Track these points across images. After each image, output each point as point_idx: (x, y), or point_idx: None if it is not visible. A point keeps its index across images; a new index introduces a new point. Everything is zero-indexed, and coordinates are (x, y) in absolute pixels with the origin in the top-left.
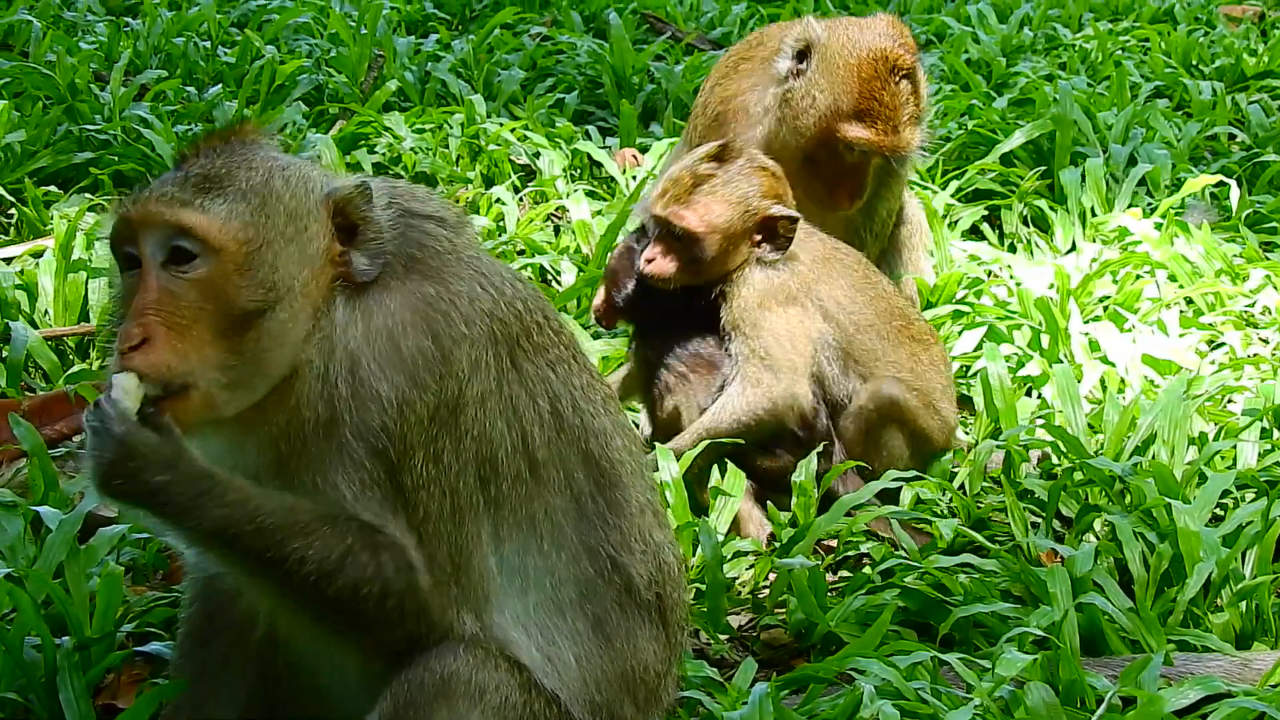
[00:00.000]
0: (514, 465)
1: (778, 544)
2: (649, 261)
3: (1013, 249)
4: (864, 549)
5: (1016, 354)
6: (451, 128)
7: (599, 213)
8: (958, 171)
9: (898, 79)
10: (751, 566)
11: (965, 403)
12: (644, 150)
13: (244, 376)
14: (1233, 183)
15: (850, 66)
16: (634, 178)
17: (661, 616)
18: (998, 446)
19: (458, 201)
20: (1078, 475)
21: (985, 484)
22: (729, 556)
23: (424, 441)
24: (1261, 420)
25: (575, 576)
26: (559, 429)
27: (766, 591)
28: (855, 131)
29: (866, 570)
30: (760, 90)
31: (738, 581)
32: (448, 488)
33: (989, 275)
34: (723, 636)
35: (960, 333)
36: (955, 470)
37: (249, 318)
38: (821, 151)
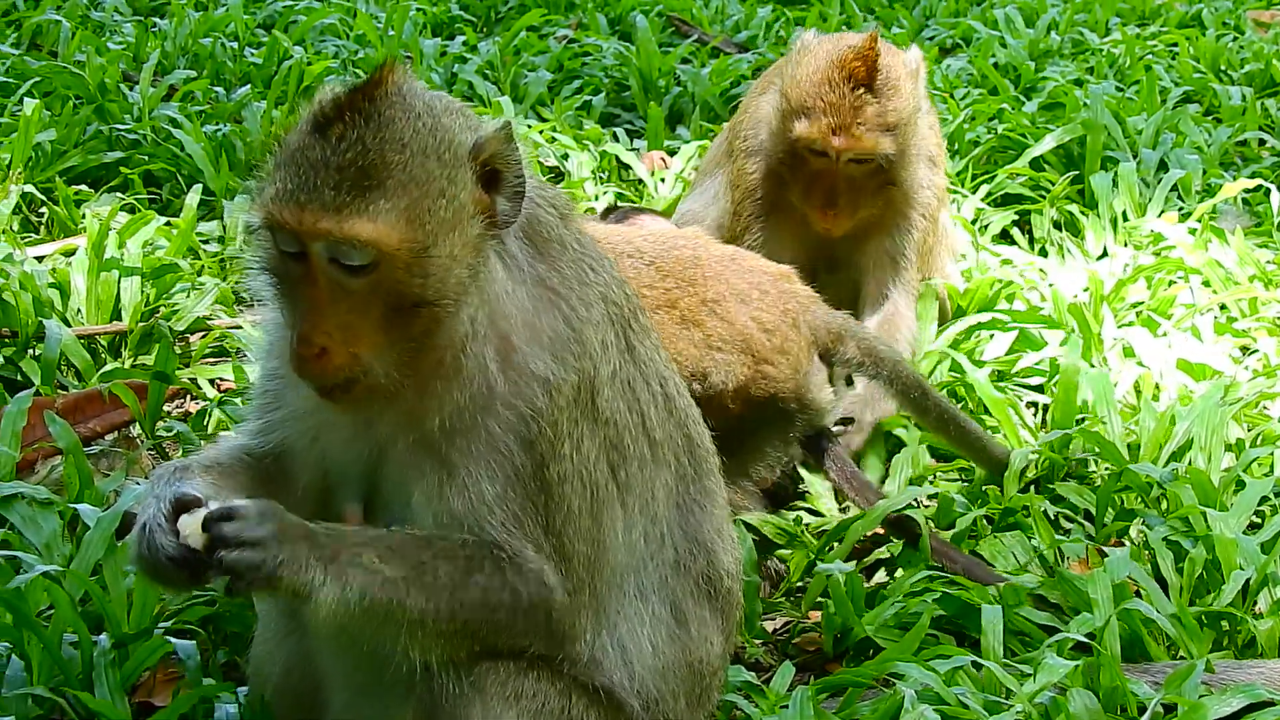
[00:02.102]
0: (638, 447)
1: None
2: None
3: (1044, 254)
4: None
5: (1050, 361)
6: None
7: None
8: (987, 176)
9: (852, 85)
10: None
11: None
12: (672, 153)
13: (412, 359)
14: (1273, 187)
15: (806, 71)
16: (662, 179)
17: (725, 614)
18: (1032, 454)
19: None
20: (1117, 482)
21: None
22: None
23: (570, 428)
24: None
25: (666, 561)
26: (669, 410)
27: (802, 594)
28: (800, 128)
29: (901, 574)
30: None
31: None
32: (588, 479)
33: (1021, 279)
34: (758, 641)
35: (992, 337)
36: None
37: (419, 306)
38: (788, 161)
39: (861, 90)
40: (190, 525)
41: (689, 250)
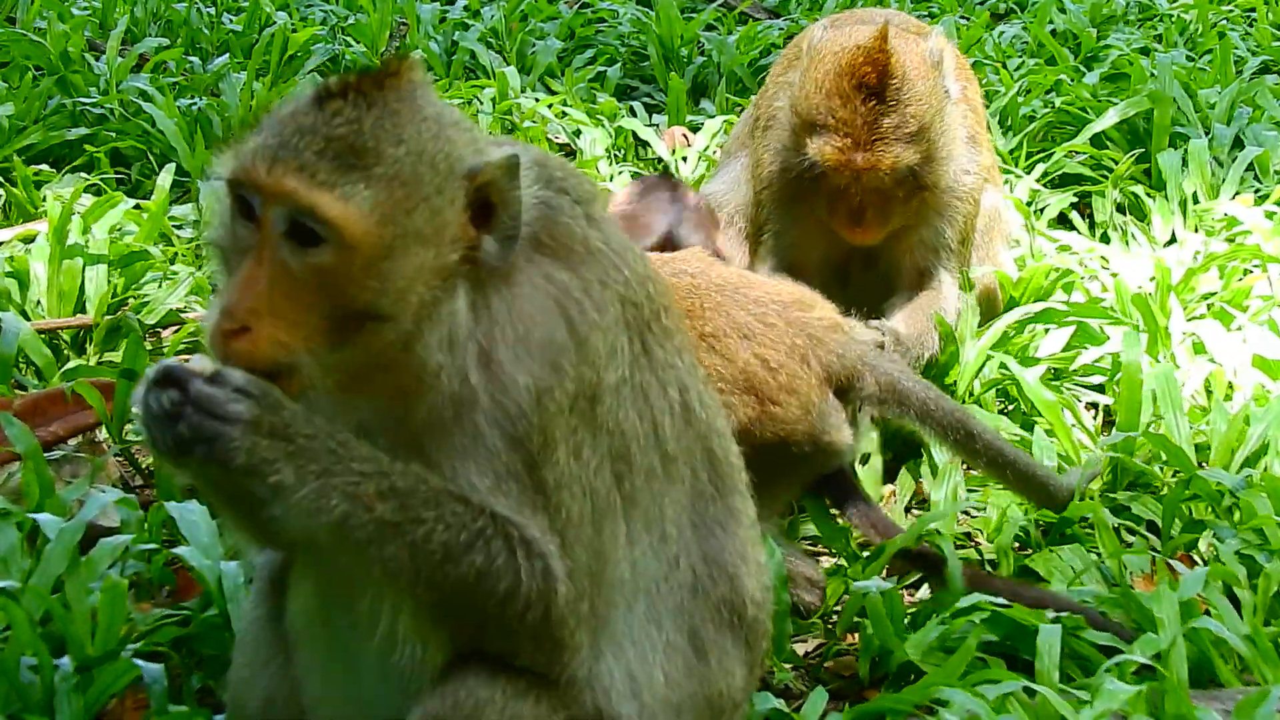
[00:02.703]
0: (646, 459)
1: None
2: None
3: (1106, 239)
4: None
5: (1112, 357)
6: (482, 103)
7: None
8: (1044, 154)
9: (864, 96)
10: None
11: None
12: (695, 129)
13: (351, 365)
14: None
15: (815, 81)
16: (684, 159)
17: (751, 645)
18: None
19: None
20: (1184, 490)
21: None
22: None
23: (564, 434)
24: None
25: (682, 585)
26: (688, 421)
27: (836, 616)
28: (813, 147)
29: (945, 592)
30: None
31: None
32: (588, 486)
33: (1081, 267)
34: (787, 665)
35: (1047, 331)
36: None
37: (364, 315)
38: (807, 173)
39: (875, 101)
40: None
41: (686, 278)
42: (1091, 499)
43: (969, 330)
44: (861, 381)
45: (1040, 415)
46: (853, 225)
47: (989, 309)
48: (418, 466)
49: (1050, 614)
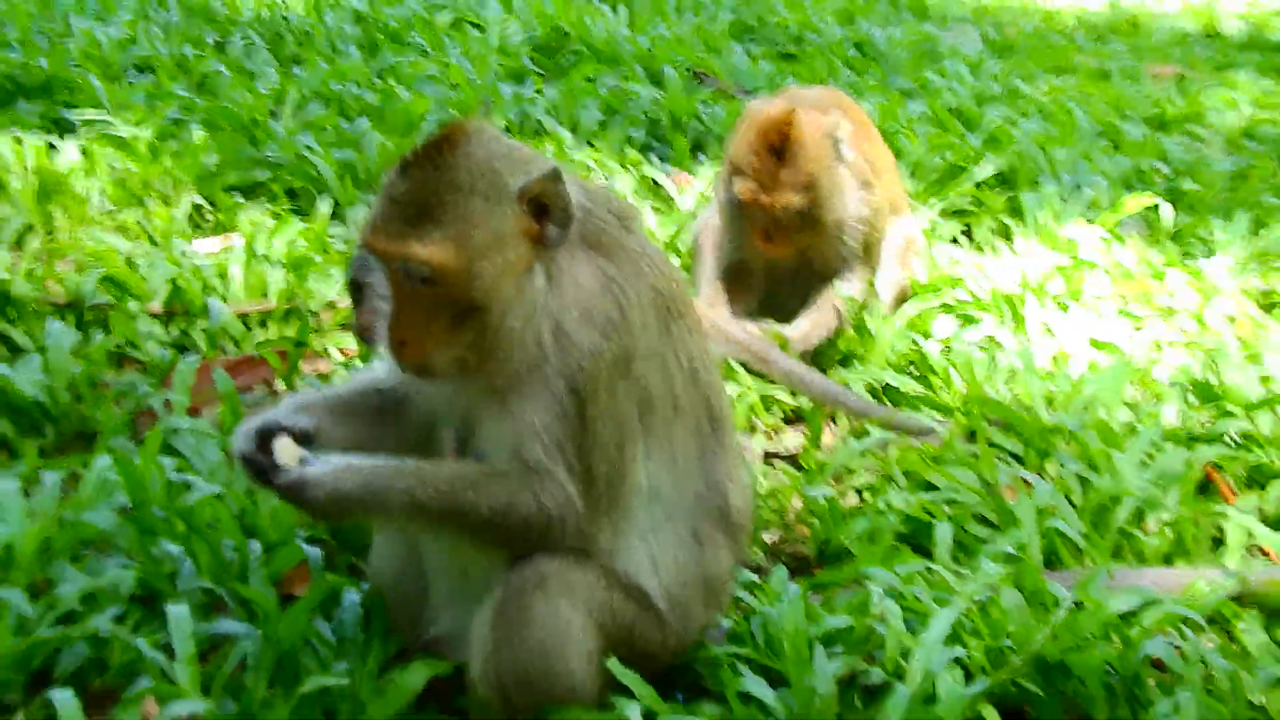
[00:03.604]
0: (664, 405)
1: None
2: None
3: (983, 253)
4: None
5: (987, 337)
6: (545, 155)
7: (661, 221)
8: (940, 194)
9: (770, 152)
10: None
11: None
12: (693, 174)
13: (470, 351)
14: (1164, 204)
15: (742, 137)
16: (684, 194)
17: (736, 538)
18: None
19: None
20: (1038, 428)
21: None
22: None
23: (607, 382)
24: (1180, 388)
25: (688, 496)
26: (694, 381)
27: (793, 514)
28: (736, 185)
29: (871, 499)
30: None
31: (768, 505)
32: (618, 419)
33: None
34: (758, 550)
35: (939, 319)
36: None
37: (473, 310)
38: (736, 202)
39: (776, 157)
40: (281, 450)
41: None
42: (973, 436)
43: (884, 316)
44: None
45: (934, 374)
46: (765, 243)
47: (904, 301)
48: (454, 462)
49: (946, 511)
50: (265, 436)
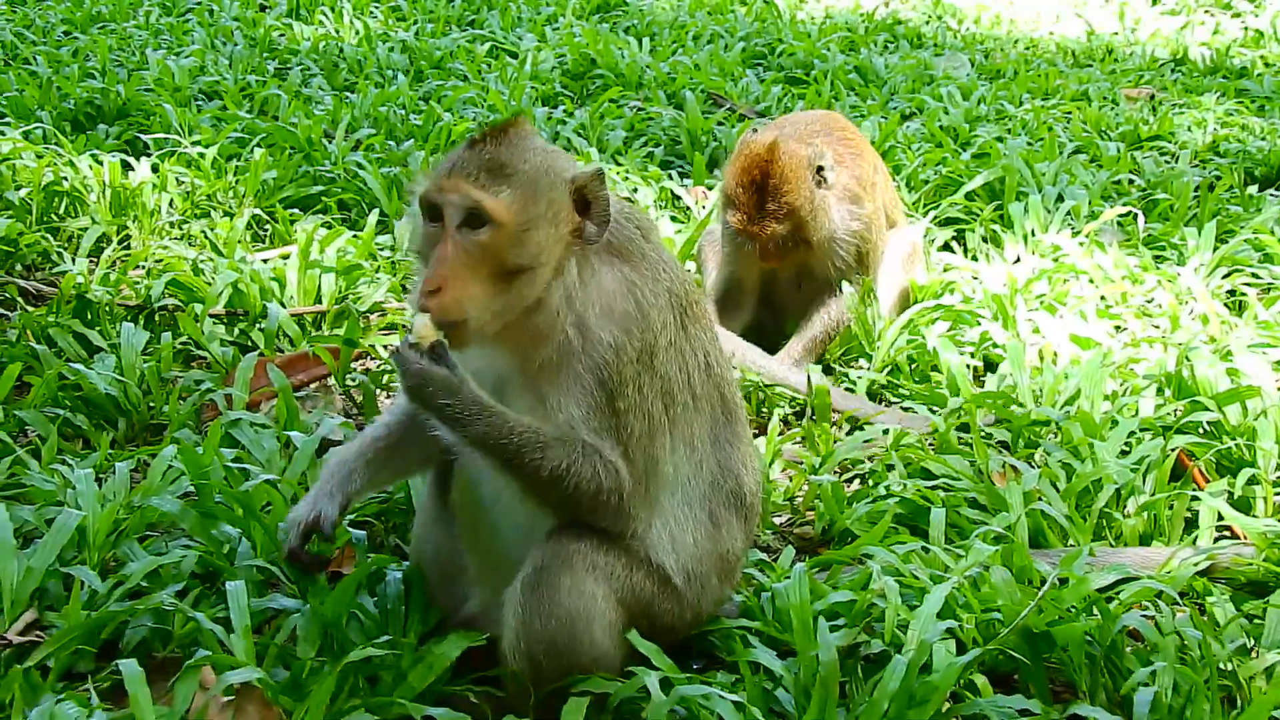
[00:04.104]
0: (682, 396)
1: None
2: None
3: (975, 260)
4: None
5: (979, 334)
6: None
7: (679, 230)
8: (935, 205)
9: (754, 186)
10: (790, 479)
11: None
12: (710, 189)
13: (503, 311)
14: (1139, 213)
15: (732, 170)
16: (703, 207)
17: (749, 519)
18: (964, 405)
19: None
20: (1026, 419)
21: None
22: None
23: (632, 376)
24: (1156, 382)
25: (706, 480)
26: (708, 374)
27: (800, 498)
28: (728, 215)
29: (871, 484)
30: None
31: (779, 490)
32: (645, 411)
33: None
34: (768, 531)
35: (936, 319)
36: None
37: (514, 272)
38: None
39: (759, 192)
40: (423, 326)
41: None
42: (967, 427)
43: (887, 318)
44: None
45: (933, 370)
46: (761, 260)
47: (906, 304)
48: (529, 419)
49: (941, 495)
50: (309, 534)
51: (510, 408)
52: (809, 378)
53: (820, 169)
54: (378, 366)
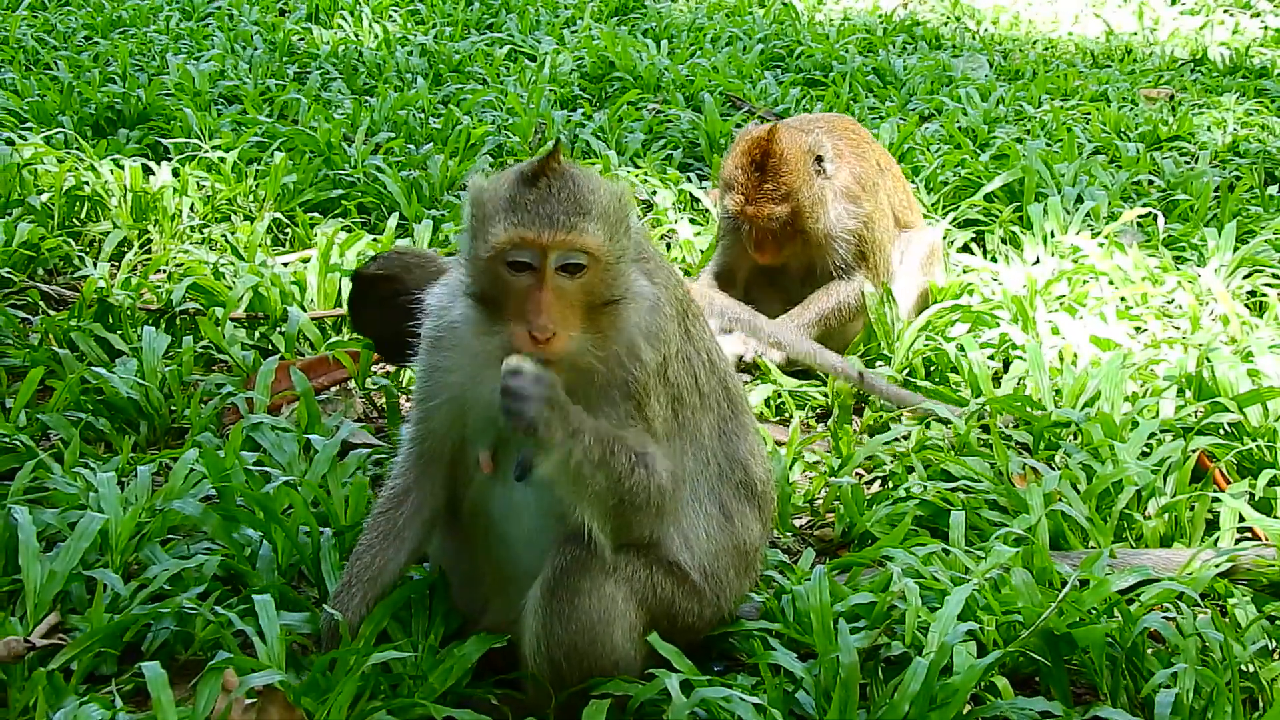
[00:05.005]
0: (691, 398)
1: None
2: None
3: (994, 261)
4: (890, 470)
5: (998, 335)
6: None
7: (698, 233)
8: (954, 206)
9: (753, 168)
10: (810, 480)
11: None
12: None
13: (596, 343)
14: (1158, 214)
15: (731, 156)
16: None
17: (763, 508)
18: (984, 405)
19: None
20: (1046, 421)
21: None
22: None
23: (654, 388)
24: (1177, 384)
25: (713, 473)
26: (712, 371)
27: (820, 500)
28: (726, 200)
29: (891, 486)
30: None
31: (799, 492)
32: (665, 419)
33: (978, 279)
34: (788, 534)
35: (955, 321)
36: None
37: (608, 301)
38: (730, 214)
39: (758, 172)
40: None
41: None
42: (987, 428)
43: (905, 320)
44: None
45: (953, 372)
46: (756, 251)
47: (925, 306)
48: (607, 424)
49: (961, 497)
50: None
51: (512, 443)
52: (860, 373)
53: (820, 159)
54: (396, 369)
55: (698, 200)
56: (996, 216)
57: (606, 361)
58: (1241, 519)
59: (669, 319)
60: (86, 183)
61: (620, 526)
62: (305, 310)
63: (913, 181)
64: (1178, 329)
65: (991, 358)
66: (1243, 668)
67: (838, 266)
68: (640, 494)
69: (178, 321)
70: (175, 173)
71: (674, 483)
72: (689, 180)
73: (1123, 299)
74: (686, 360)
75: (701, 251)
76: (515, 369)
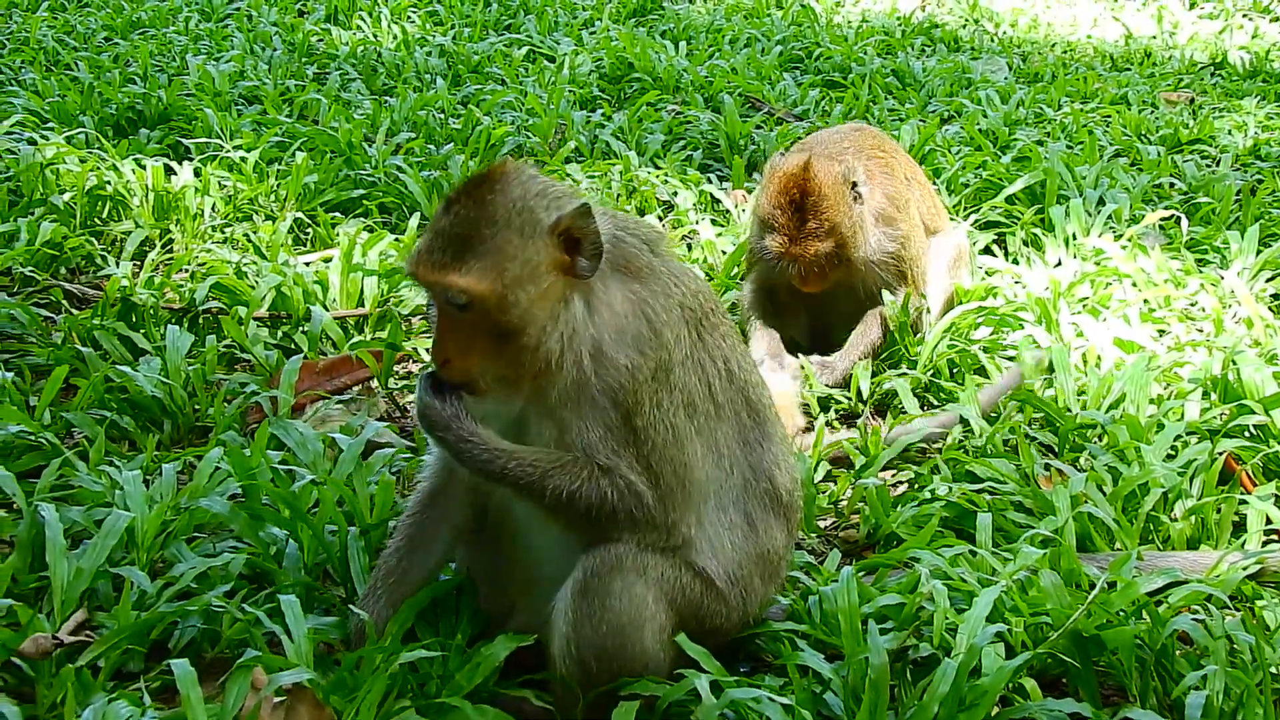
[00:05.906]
0: (705, 405)
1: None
2: None
3: (1016, 263)
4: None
5: (1022, 338)
6: (613, 175)
7: (720, 234)
8: (975, 208)
9: (793, 207)
10: (835, 482)
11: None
12: (749, 191)
13: (510, 369)
14: (1181, 216)
15: (767, 194)
16: (743, 210)
17: (788, 517)
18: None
19: None
20: (1072, 423)
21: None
22: (819, 477)
23: (648, 394)
24: (1201, 386)
25: (738, 484)
26: (730, 380)
27: (845, 502)
28: (766, 241)
29: (917, 487)
30: None
31: (825, 494)
32: (668, 424)
33: (1001, 282)
34: (813, 535)
35: (980, 323)
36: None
37: (510, 333)
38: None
39: (798, 212)
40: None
41: None
42: (1014, 430)
43: (930, 322)
44: None
45: (980, 374)
46: (802, 283)
47: (951, 308)
48: (543, 449)
49: (987, 499)
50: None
51: (535, 438)
52: (881, 433)
53: (855, 185)
54: (419, 369)
55: (718, 201)
56: (1018, 219)
57: (559, 369)
58: (1269, 521)
59: (666, 324)
60: (108, 182)
61: (595, 534)
62: (328, 310)
63: (934, 183)
64: (1201, 331)
65: (1015, 360)
66: (1273, 669)
67: (878, 288)
68: (590, 513)
69: (201, 321)
70: (197, 172)
71: (672, 491)
72: (709, 181)
73: (1146, 301)
74: (698, 367)
75: (724, 253)
76: (421, 381)
